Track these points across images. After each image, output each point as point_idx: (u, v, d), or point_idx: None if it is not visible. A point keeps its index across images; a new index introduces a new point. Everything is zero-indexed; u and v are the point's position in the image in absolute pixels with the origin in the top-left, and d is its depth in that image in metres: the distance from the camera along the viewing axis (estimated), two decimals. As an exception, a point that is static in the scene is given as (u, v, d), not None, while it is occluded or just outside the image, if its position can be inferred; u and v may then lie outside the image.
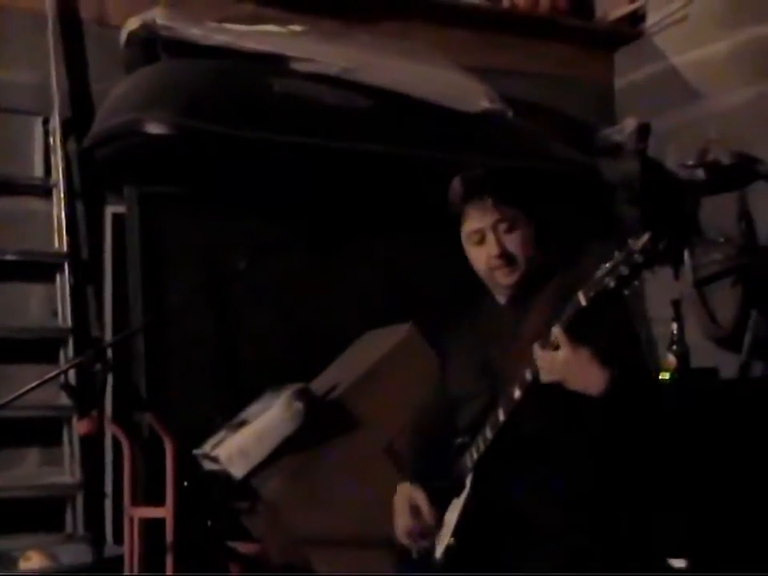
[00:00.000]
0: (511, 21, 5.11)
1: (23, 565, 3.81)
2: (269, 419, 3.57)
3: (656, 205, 4.71)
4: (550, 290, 2.58)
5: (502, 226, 2.59)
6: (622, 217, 4.75)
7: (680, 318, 4.21)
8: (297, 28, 4.17)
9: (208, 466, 3.66)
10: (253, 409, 3.70)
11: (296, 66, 3.95)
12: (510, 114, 4.12)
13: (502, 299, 2.71)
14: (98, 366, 2.99)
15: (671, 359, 3.91)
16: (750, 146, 4.40)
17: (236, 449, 3.54)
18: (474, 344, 2.75)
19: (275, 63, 3.96)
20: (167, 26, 3.92)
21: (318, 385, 3.77)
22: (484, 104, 4.05)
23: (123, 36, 4.08)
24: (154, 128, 3.66)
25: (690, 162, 4.61)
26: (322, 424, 3.54)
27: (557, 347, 2.30)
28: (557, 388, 2.34)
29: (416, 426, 2.99)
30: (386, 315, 3.91)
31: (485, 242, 2.61)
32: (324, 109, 3.88)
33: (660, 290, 4.66)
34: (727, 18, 4.70)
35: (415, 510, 2.66)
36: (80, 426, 3.14)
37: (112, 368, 3.97)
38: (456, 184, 2.69)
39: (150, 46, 4.01)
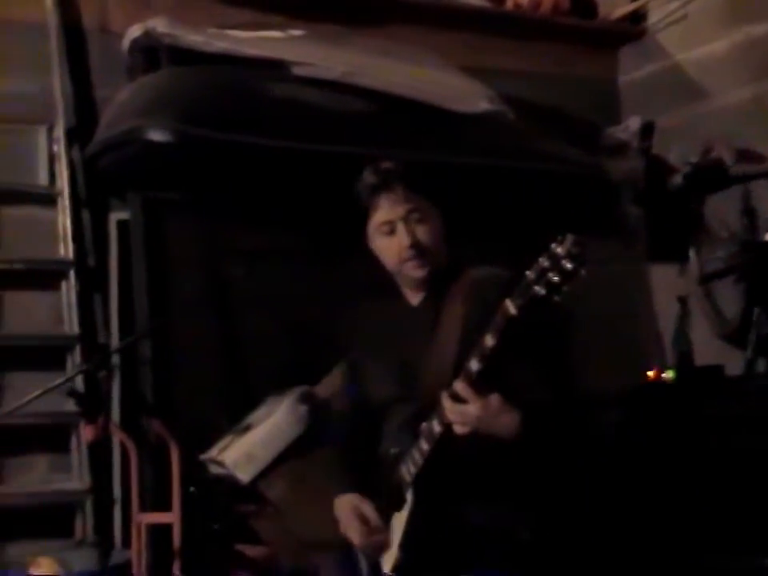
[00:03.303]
0: (513, 22, 5.11)
1: (33, 571, 3.82)
2: (274, 423, 3.60)
3: (660, 203, 4.73)
4: (459, 288, 2.57)
5: (414, 216, 2.58)
6: (626, 215, 4.76)
7: (686, 314, 4.22)
8: (296, 32, 4.19)
9: (215, 470, 3.68)
10: (258, 413, 3.72)
11: (296, 70, 3.95)
12: (510, 114, 4.11)
13: (413, 299, 2.69)
14: (102, 373, 2.98)
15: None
16: (754, 143, 4.41)
17: (242, 453, 3.57)
18: (389, 345, 2.71)
19: (275, 68, 3.97)
20: (168, 34, 3.93)
21: (323, 388, 3.78)
22: (484, 105, 4.05)
23: (126, 43, 4.11)
24: (155, 135, 3.68)
25: (694, 160, 4.63)
26: (326, 427, 3.55)
27: (465, 401, 2.28)
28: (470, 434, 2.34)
29: (338, 427, 2.95)
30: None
31: (395, 233, 2.59)
32: (324, 113, 3.89)
33: (667, 285, 4.68)
34: (727, 16, 4.69)
35: (363, 518, 2.60)
36: (86, 433, 3.15)
37: (120, 374, 4.07)
38: (366, 174, 2.67)
39: (151, 53, 4.03)
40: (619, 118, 5.11)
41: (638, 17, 5.19)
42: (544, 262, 2.03)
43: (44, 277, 4.16)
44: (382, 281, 2.71)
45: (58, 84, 4.18)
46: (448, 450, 2.43)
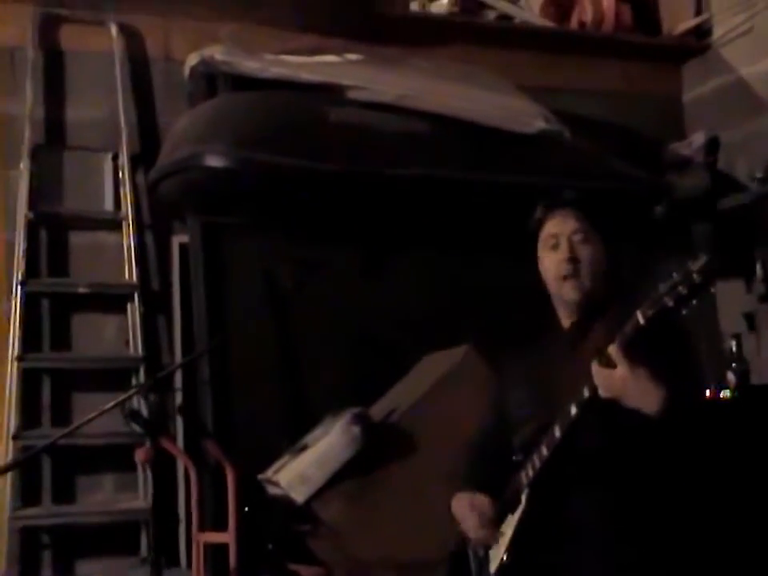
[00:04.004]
0: (577, 40, 5.13)
1: (100, 588, 3.93)
2: (328, 444, 3.62)
3: (726, 218, 4.67)
4: (610, 317, 2.60)
5: (577, 237, 2.64)
6: (694, 232, 4.71)
7: (753, 331, 4.17)
8: (353, 57, 4.24)
9: (271, 490, 3.72)
10: (314, 433, 3.75)
11: (351, 94, 4.00)
12: (567, 133, 4.10)
13: (565, 322, 2.74)
14: (153, 396, 3.05)
15: (730, 377, 3.85)
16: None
17: (296, 474, 3.60)
18: (535, 367, 2.76)
19: (331, 92, 4.02)
20: (225, 61, 4.02)
21: (378, 408, 3.80)
22: (540, 124, 4.05)
23: (186, 71, 4.21)
24: (213, 161, 3.75)
25: (760, 175, 4.57)
26: (381, 447, 3.58)
27: (614, 365, 2.32)
28: (613, 405, 2.36)
29: (474, 443, 3.02)
30: (447, 337, 3.92)
31: (558, 249, 2.65)
32: (379, 136, 3.92)
33: (732, 303, 4.62)
34: (793, 29, 4.64)
35: (479, 511, 2.68)
36: (138, 454, 3.22)
37: (183, 395, 4.15)
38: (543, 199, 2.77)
39: (210, 80, 4.12)
40: (684, 134, 5.08)
41: (702, 31, 5.16)
42: (677, 276, 2.13)
43: (110, 300, 4.28)
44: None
45: (122, 112, 4.31)
46: (564, 456, 2.49)
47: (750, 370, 3.93)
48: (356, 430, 3.61)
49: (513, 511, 2.61)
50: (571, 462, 2.52)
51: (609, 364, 2.33)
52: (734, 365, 3.93)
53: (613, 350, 2.31)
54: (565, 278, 2.64)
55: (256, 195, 3.92)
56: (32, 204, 4.16)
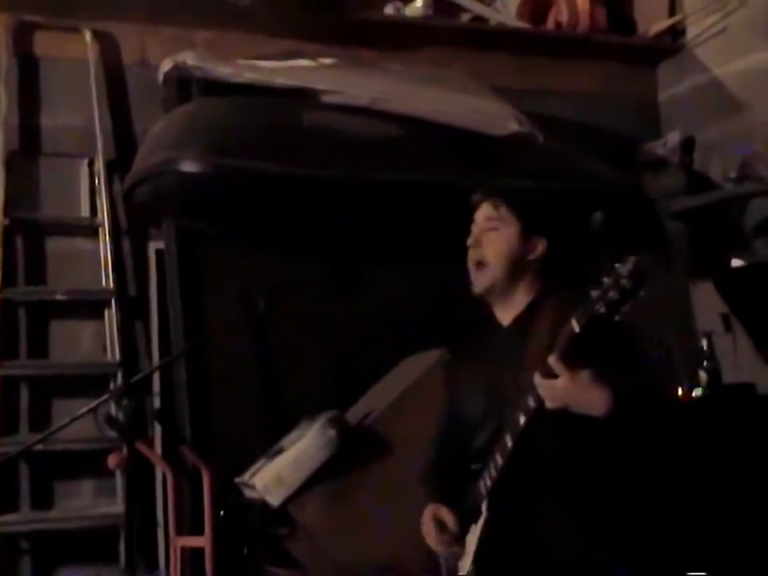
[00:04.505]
0: (551, 42, 5.14)
1: (80, 593, 3.93)
2: (303, 447, 3.63)
3: (701, 218, 4.69)
4: (548, 310, 2.61)
5: (488, 224, 2.71)
6: (668, 232, 4.73)
7: (730, 330, 4.19)
8: (326, 61, 4.26)
9: (248, 493, 3.73)
10: (290, 437, 3.76)
11: (325, 98, 4.02)
12: (541, 135, 4.12)
13: (503, 320, 2.74)
14: (128, 401, 3.05)
15: (702, 375, 3.88)
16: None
17: (272, 477, 3.61)
18: (481, 368, 2.78)
19: (305, 97, 4.04)
20: (198, 66, 4.04)
21: (354, 412, 3.82)
22: (513, 127, 4.06)
23: (160, 77, 4.21)
24: (187, 166, 3.76)
25: (734, 175, 4.59)
26: (356, 450, 3.59)
27: (556, 375, 2.33)
28: (561, 414, 2.37)
29: (434, 450, 3.03)
30: (424, 341, 3.93)
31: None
32: (353, 140, 3.93)
33: (708, 302, 4.64)
34: (766, 28, 4.65)
35: (441, 524, 2.71)
36: (110, 460, 3.22)
37: (160, 399, 4.16)
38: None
39: (184, 85, 4.13)
40: (660, 134, 5.09)
41: (676, 32, 5.18)
42: (607, 281, 2.14)
43: (87, 306, 4.29)
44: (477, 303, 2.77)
45: (98, 118, 4.31)
46: (519, 464, 2.51)
47: (720, 369, 3.95)
48: (331, 432, 3.62)
49: (475, 521, 2.62)
50: (527, 471, 2.53)
51: (550, 374, 2.34)
52: (705, 363, 3.95)
53: (552, 360, 2.32)
54: (474, 266, 2.70)
55: (231, 201, 3.92)
56: (7, 211, 4.16)
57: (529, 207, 2.78)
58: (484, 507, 2.60)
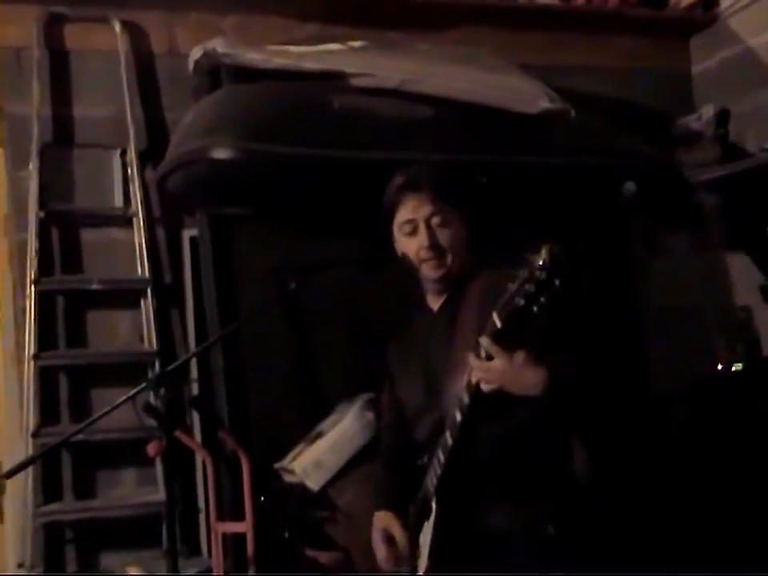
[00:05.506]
0: (582, 17, 5.09)
1: (124, 580, 3.96)
2: (342, 430, 3.65)
3: (736, 191, 4.64)
4: (475, 292, 2.59)
5: (435, 220, 2.65)
6: (703, 205, 4.68)
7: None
8: (355, 44, 4.24)
9: (287, 478, 3.75)
10: (328, 421, 3.77)
11: (355, 81, 4.00)
12: (572, 112, 4.08)
13: (434, 305, 2.71)
14: (166, 389, 3.06)
15: (739, 348, 3.84)
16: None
17: (311, 461, 3.63)
18: (415, 355, 2.77)
19: (335, 81, 4.02)
20: (227, 53, 4.03)
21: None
22: (544, 104, 4.02)
23: (190, 65, 4.22)
24: (219, 153, 3.76)
25: (769, 146, 4.54)
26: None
27: (490, 357, 2.31)
28: (498, 398, 2.36)
29: (385, 448, 3.02)
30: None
31: (416, 234, 2.65)
32: (384, 122, 3.92)
33: (746, 275, 4.59)
34: (802, -5, 4.60)
35: (390, 539, 2.72)
36: (149, 448, 3.23)
37: (199, 386, 4.17)
38: (397, 176, 2.75)
39: (214, 73, 4.14)
40: (694, 108, 5.05)
41: (708, 3, 5.11)
42: (522, 273, 2.11)
43: (123, 296, 4.31)
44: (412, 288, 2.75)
45: (129, 108, 4.32)
46: (467, 451, 2.49)
47: (759, 341, 3.91)
48: (370, 415, 3.64)
49: (427, 518, 2.60)
50: (470, 464, 2.53)
51: (485, 356, 2.32)
52: (743, 336, 3.91)
53: (485, 342, 2.30)
54: (425, 260, 2.66)
55: (263, 186, 3.91)
56: (42, 203, 4.19)
57: (457, 187, 2.76)
58: (433, 504, 2.58)
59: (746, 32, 4.93)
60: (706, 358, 3.99)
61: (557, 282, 2.07)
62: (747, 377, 3.77)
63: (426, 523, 2.60)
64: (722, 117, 4.81)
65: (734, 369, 3.74)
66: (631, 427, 2.59)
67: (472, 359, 2.35)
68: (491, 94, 4.03)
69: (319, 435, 3.71)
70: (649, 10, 5.15)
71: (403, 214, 2.69)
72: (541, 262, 2.08)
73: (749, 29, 4.92)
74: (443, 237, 2.64)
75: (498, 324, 2.21)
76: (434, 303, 2.73)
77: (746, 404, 3.58)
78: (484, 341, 2.29)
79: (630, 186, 3.97)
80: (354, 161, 3.84)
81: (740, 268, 4.58)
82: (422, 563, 2.59)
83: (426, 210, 2.65)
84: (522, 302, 2.12)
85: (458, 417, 2.44)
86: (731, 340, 4.06)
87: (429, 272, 2.66)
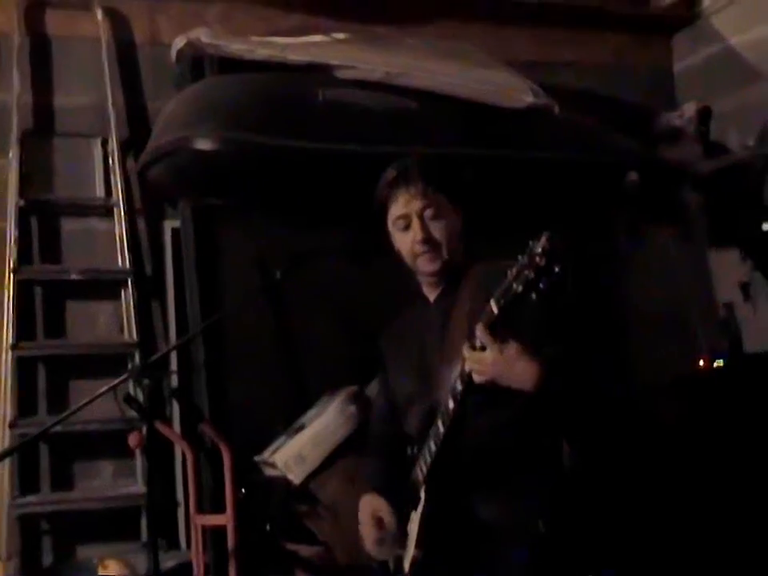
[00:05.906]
0: (564, 13, 5.08)
1: (101, 572, 3.92)
2: (324, 423, 3.63)
3: (719, 188, 4.66)
4: (470, 283, 2.58)
5: (428, 212, 2.60)
6: (686, 202, 4.70)
7: (750, 299, 4.16)
8: (340, 36, 4.23)
9: (268, 472, 3.73)
10: (310, 413, 3.76)
11: (339, 73, 3.98)
12: (556, 108, 4.08)
13: (431, 296, 2.72)
14: (146, 380, 3.04)
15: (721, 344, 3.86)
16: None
17: (293, 454, 3.61)
18: (409, 345, 2.74)
19: (319, 73, 4.00)
20: (211, 43, 4.01)
21: (374, 387, 3.80)
22: (528, 99, 4.03)
23: (172, 55, 4.19)
24: (201, 144, 3.74)
25: (752, 143, 4.56)
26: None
27: (483, 347, 2.30)
28: (491, 390, 2.33)
29: (374, 436, 3.00)
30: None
31: (410, 228, 2.62)
32: (367, 114, 3.90)
33: (727, 271, 4.61)
34: (783, -6, 4.61)
35: (379, 521, 2.68)
36: (130, 439, 3.21)
37: (179, 378, 4.15)
38: (387, 171, 2.71)
39: (197, 63, 4.11)
40: (676, 105, 5.06)
41: (691, 1, 5.12)
42: (522, 260, 2.10)
43: (103, 286, 4.27)
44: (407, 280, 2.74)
45: (110, 97, 4.28)
46: (458, 441, 2.46)
47: (741, 338, 3.92)
48: (352, 408, 3.62)
49: (415, 508, 2.57)
50: (461, 455, 2.49)
51: (478, 346, 2.30)
52: (725, 333, 3.93)
53: (479, 332, 2.28)
54: (419, 254, 2.63)
55: (246, 177, 3.89)
56: (22, 191, 4.15)
57: (447, 176, 2.71)
58: (422, 493, 2.55)
59: (728, 30, 4.96)
60: (688, 355, 4.01)
61: (556, 269, 2.06)
62: (729, 373, 3.79)
63: (413, 512, 2.57)
64: (704, 114, 4.83)
65: (715, 365, 3.76)
66: (616, 423, 2.55)
67: (466, 349, 2.33)
68: (476, 88, 4.03)
69: (301, 428, 3.69)
70: (632, 7, 5.17)
71: (396, 210, 2.66)
72: (540, 249, 2.06)
73: (731, 27, 4.94)
74: (437, 229, 2.61)
75: (495, 310, 2.19)
76: (431, 294, 2.71)
77: (728, 400, 3.60)
78: (479, 329, 2.28)
79: (632, 177, 3.97)
80: (338, 152, 3.82)
81: (722, 265, 4.60)
82: (409, 552, 2.56)
83: (417, 203, 2.62)
84: (520, 288, 2.11)
85: (451, 404, 2.42)
86: (713, 336, 4.08)
87: (425, 266, 2.64)
